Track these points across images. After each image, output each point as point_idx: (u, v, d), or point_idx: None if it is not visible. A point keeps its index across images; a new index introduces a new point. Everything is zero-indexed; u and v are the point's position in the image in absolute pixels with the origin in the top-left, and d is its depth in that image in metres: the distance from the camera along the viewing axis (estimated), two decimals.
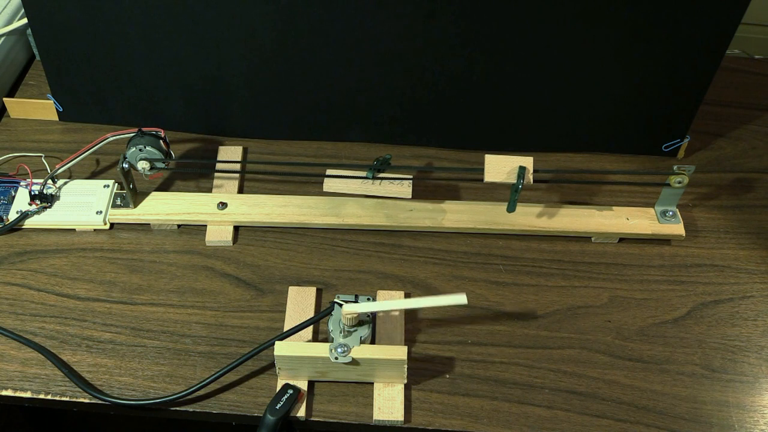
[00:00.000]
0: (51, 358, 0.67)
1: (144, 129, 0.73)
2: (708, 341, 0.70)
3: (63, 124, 0.87)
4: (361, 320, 0.64)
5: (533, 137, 0.84)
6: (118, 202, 0.77)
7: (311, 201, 0.78)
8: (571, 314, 0.72)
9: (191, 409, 0.65)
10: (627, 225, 0.77)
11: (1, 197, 0.78)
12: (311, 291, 0.72)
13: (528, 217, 0.77)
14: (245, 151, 0.85)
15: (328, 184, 0.77)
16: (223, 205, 0.77)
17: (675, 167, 0.73)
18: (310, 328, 0.68)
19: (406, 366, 0.63)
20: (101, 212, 0.76)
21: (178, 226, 0.77)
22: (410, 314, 0.71)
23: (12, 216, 0.76)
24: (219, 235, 0.76)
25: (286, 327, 0.69)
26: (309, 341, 0.68)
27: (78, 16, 0.76)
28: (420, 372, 0.67)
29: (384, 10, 0.73)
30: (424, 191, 0.80)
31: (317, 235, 0.77)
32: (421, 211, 0.78)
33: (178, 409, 0.65)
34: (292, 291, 0.72)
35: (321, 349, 0.63)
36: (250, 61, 0.79)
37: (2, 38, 0.89)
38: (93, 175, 0.81)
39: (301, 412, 0.64)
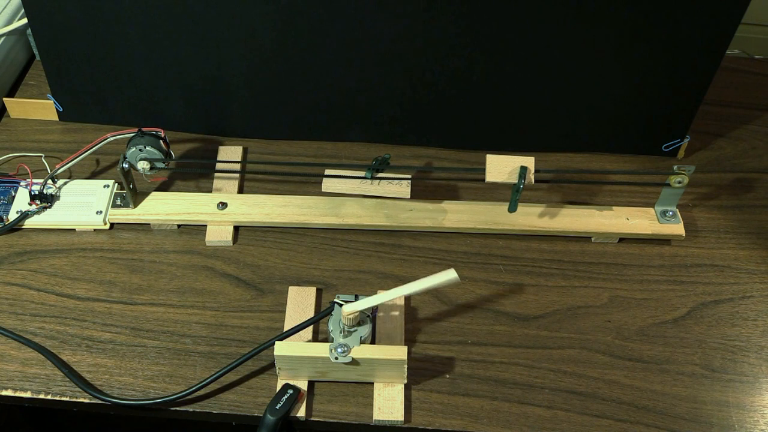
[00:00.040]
0: (51, 358, 0.67)
1: (144, 129, 0.73)
2: (708, 341, 0.70)
3: (63, 124, 0.87)
4: (361, 320, 0.64)
5: (533, 137, 0.84)
6: (118, 202, 0.77)
7: (311, 201, 0.78)
8: (571, 314, 0.72)
9: (191, 409, 0.65)
10: (627, 225, 0.77)
11: (1, 197, 0.78)
12: (311, 291, 0.72)
13: (528, 217, 0.77)
14: (245, 151, 0.85)
15: (327, 184, 0.77)
16: (223, 205, 0.77)
17: (675, 167, 0.73)
18: (310, 328, 0.68)
19: (406, 366, 0.63)
20: (101, 212, 0.76)
21: (178, 226, 0.77)
22: (410, 314, 0.71)
23: (12, 216, 0.76)
24: (219, 235, 0.76)
25: (286, 327, 0.69)
26: (309, 341, 0.68)
27: (78, 16, 0.76)
28: (420, 372, 0.67)
29: (384, 10, 0.73)
30: (423, 191, 0.80)
31: (317, 235, 0.77)
32: (421, 211, 0.78)
33: (178, 409, 0.65)
34: (292, 291, 0.72)
35: (321, 349, 0.63)
36: (250, 61, 0.79)
37: (2, 38, 0.89)
38: (93, 175, 0.81)
39: (301, 412, 0.64)
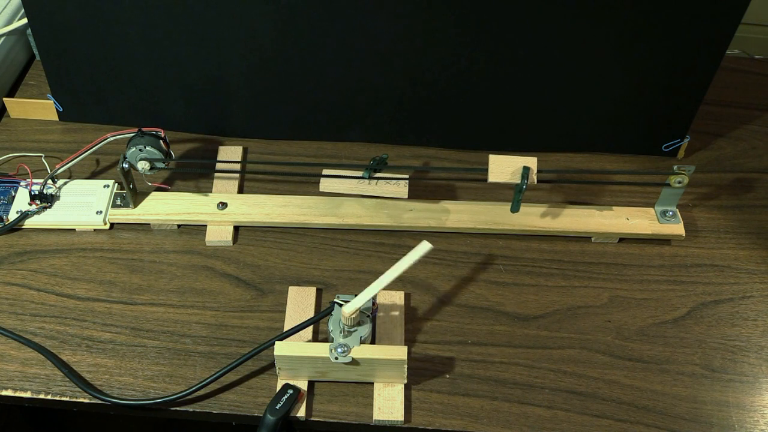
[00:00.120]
0: (51, 358, 0.67)
1: (144, 129, 0.73)
2: (708, 341, 0.70)
3: (63, 124, 0.87)
4: (361, 320, 0.64)
5: (533, 137, 0.84)
6: (118, 202, 0.77)
7: (311, 201, 0.78)
8: (571, 314, 0.72)
9: (191, 409, 0.65)
10: (627, 225, 0.77)
11: (1, 197, 0.78)
12: (311, 291, 0.72)
13: (528, 217, 0.77)
14: (245, 151, 0.85)
15: (325, 184, 0.77)
16: (223, 205, 0.77)
17: (675, 167, 0.73)
18: (310, 328, 0.68)
19: (406, 366, 0.63)
20: (101, 212, 0.76)
21: (178, 226, 0.77)
22: (410, 314, 0.71)
23: (12, 216, 0.76)
24: (219, 235, 0.76)
25: (286, 327, 0.69)
26: (309, 341, 0.68)
27: (78, 16, 0.76)
28: (420, 372, 0.67)
29: (384, 10, 0.73)
30: (423, 191, 0.80)
31: (317, 235, 0.77)
32: (421, 211, 0.78)
33: (178, 409, 0.65)
34: (292, 291, 0.72)
35: (321, 349, 0.63)
36: (250, 61, 0.79)
37: (2, 38, 0.89)
38: (93, 175, 0.81)
39: (301, 412, 0.64)
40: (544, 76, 0.78)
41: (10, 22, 0.91)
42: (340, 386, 0.66)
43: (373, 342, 0.67)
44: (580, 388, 0.67)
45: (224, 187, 0.80)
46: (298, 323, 0.66)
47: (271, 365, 0.67)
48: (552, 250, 0.77)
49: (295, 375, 0.65)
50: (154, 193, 0.78)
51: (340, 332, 0.64)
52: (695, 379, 0.68)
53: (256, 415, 0.64)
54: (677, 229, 0.77)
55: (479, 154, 0.84)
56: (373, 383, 0.66)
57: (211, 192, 0.79)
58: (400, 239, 0.77)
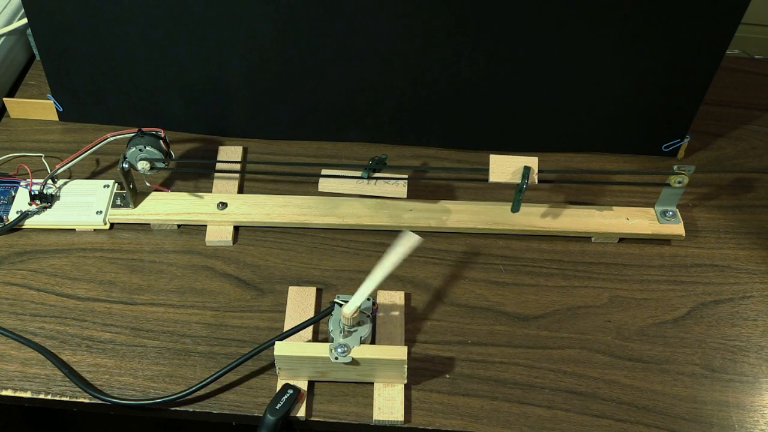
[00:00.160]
0: (51, 358, 0.67)
1: (144, 129, 0.73)
2: (708, 341, 0.70)
3: (63, 124, 0.87)
4: (361, 320, 0.64)
5: (533, 137, 0.84)
6: (118, 202, 0.77)
7: (311, 201, 0.78)
8: (571, 314, 0.72)
9: (191, 409, 0.65)
10: (627, 225, 0.77)
11: (1, 197, 0.78)
12: (311, 291, 0.72)
13: (528, 217, 0.77)
14: (245, 151, 0.85)
15: (324, 184, 0.77)
16: (223, 205, 0.77)
17: (675, 167, 0.73)
18: (310, 328, 0.68)
19: (406, 366, 0.63)
20: (101, 212, 0.76)
21: (178, 226, 0.77)
22: (410, 314, 0.71)
23: (12, 216, 0.76)
24: (219, 235, 0.76)
25: (286, 327, 0.69)
26: (309, 341, 0.68)
27: (78, 16, 0.76)
28: (420, 372, 0.67)
29: (384, 10, 0.73)
30: (423, 191, 0.80)
31: (317, 235, 0.77)
32: (421, 211, 0.78)
33: (178, 409, 0.65)
34: (292, 291, 0.72)
35: (321, 349, 0.63)
36: (250, 61, 0.79)
37: (2, 38, 0.89)
38: (93, 175, 0.81)
39: (301, 412, 0.64)
40: (544, 76, 0.78)
41: (10, 22, 0.91)
42: (340, 386, 0.66)
43: (373, 342, 0.67)
44: (580, 388, 0.67)
45: (224, 187, 0.80)
46: (298, 323, 0.66)
47: (271, 365, 0.67)
48: (552, 250, 0.77)
49: (295, 375, 0.65)
50: (154, 193, 0.78)
51: (340, 332, 0.64)
52: (695, 379, 0.68)
53: (256, 415, 0.64)
54: (677, 229, 0.77)
55: (479, 154, 0.84)
56: (373, 383, 0.66)
57: (211, 192, 0.80)
58: None
